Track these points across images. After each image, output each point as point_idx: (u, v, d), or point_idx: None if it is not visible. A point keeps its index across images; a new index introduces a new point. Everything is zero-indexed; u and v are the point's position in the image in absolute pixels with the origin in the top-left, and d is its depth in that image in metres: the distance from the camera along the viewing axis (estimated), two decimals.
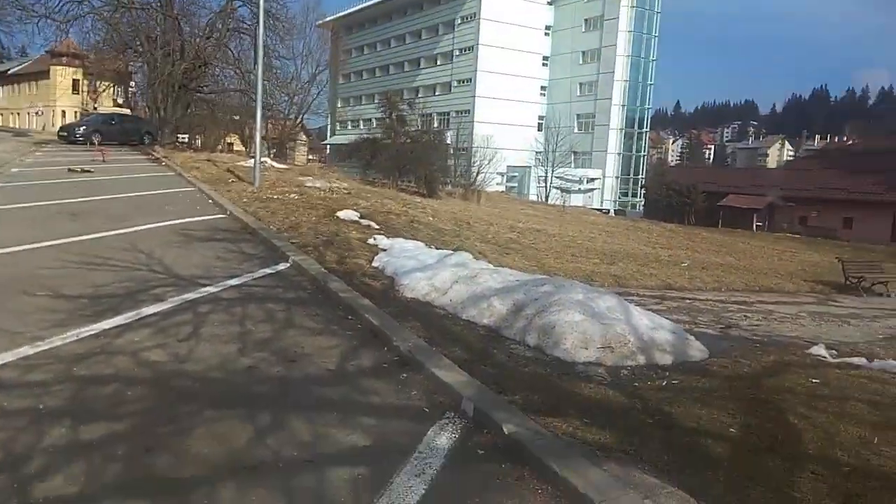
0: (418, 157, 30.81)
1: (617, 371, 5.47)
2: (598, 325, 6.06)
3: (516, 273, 8.25)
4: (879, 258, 25.46)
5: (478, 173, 38.64)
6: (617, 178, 60.86)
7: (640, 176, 61.68)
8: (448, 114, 63.52)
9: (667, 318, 7.58)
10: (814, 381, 5.12)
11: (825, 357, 6.47)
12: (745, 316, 9.97)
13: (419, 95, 66.60)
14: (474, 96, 61.75)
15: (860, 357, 6.64)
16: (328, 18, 68.24)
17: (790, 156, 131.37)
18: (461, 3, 63.26)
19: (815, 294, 15.26)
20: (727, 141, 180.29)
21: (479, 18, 60.48)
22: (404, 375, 4.77)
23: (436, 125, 61.41)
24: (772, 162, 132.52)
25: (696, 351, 6.31)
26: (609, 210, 54.74)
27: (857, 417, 4.24)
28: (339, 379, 4.70)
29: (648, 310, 8.83)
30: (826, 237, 36.16)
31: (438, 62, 67.79)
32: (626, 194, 61.61)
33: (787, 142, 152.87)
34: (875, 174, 38.56)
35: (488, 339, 6.15)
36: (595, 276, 12.35)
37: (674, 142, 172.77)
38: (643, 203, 58.71)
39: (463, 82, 64.20)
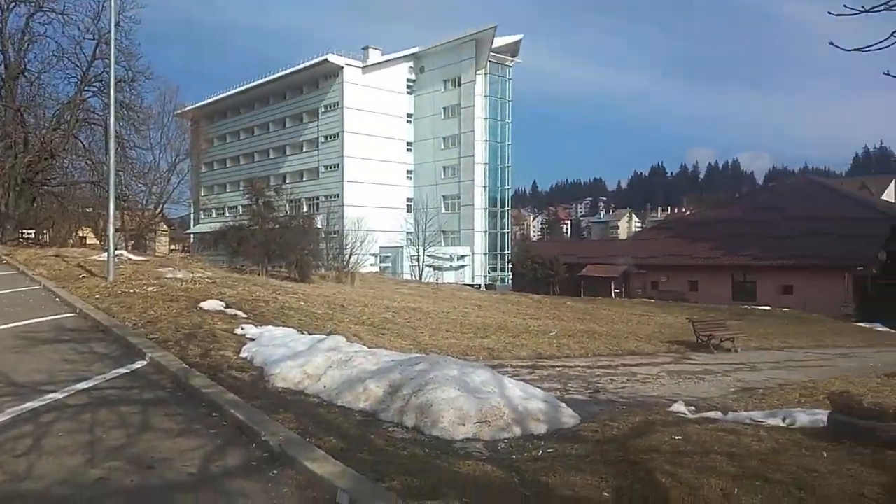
0: (288, 242, 30.28)
1: (495, 445, 5.48)
2: (474, 400, 6.09)
3: (392, 353, 8.18)
4: (724, 316, 27.79)
5: (350, 255, 38.52)
6: (485, 254, 62.93)
7: (506, 251, 64.18)
8: (317, 198, 63.49)
9: (539, 388, 7.77)
10: (676, 437, 5.39)
11: (685, 414, 6.86)
12: (611, 379, 10.44)
13: (286, 181, 66.03)
14: (342, 181, 62.30)
15: (716, 411, 7.11)
16: (187, 108, 66.93)
17: (637, 227, 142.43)
18: (324, 93, 64.57)
19: (672, 353, 16.28)
20: (581, 216, 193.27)
21: (342, 107, 61.85)
22: (274, 472, 4.49)
23: (305, 210, 61.28)
24: (622, 233, 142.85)
25: (568, 417, 6.48)
26: (480, 285, 56.21)
27: (717, 470, 4.49)
28: (203, 483, 4.34)
29: (521, 380, 9.01)
30: (676, 300, 38.98)
31: (304, 149, 68.12)
32: (494, 269, 63.69)
33: (633, 214, 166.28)
34: (711, 240, 42.60)
35: (365, 424, 5.98)
36: (470, 350, 12.50)
37: (534, 218, 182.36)
38: (511, 277, 60.90)
39: (330, 168, 64.73)
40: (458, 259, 59.20)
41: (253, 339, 9.30)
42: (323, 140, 65.32)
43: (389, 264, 58.14)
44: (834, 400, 5.89)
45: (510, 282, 60.27)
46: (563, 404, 6.83)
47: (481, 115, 60.89)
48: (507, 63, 63.31)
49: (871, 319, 31.41)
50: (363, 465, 4.49)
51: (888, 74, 3.57)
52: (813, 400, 8.32)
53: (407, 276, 52.57)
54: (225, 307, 11.41)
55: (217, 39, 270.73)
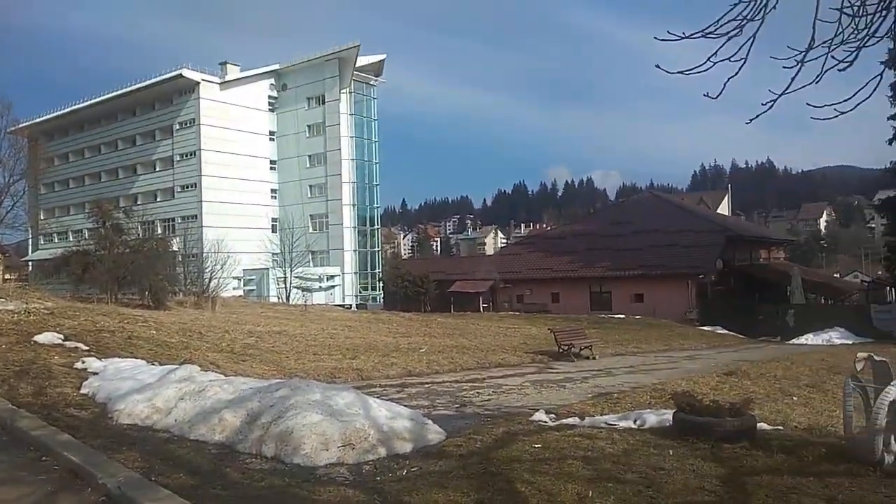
0: (140, 267, 28.26)
1: (359, 468, 5.34)
2: (338, 424, 5.91)
3: (250, 381, 7.80)
4: (583, 326, 29.22)
5: (210, 279, 36.64)
6: (356, 273, 62.34)
7: (377, 270, 63.98)
8: (174, 220, 60.13)
9: (406, 406, 7.71)
10: (536, 446, 5.53)
11: (546, 422, 7.07)
12: (477, 392, 10.59)
13: (138, 203, 62.14)
14: (200, 201, 59.44)
15: (574, 417, 7.39)
16: (22, 125, 61.12)
17: (503, 242, 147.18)
18: (179, 109, 61.48)
19: (536, 364, 16.84)
20: (450, 233, 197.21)
21: (199, 124, 59.15)
22: None
23: (160, 232, 57.69)
24: (489, 249, 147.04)
25: (434, 434, 6.46)
26: (351, 305, 55.52)
27: (574, 475, 4.63)
28: None
29: (390, 399, 8.91)
30: (540, 311, 40.54)
31: (158, 168, 64.37)
32: (366, 288, 63.25)
33: (499, 231, 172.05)
34: (570, 254, 44.85)
35: (221, 457, 5.62)
36: (338, 372, 12.22)
37: (404, 236, 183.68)
38: (382, 295, 60.73)
39: (187, 187, 61.57)
40: (327, 279, 58.18)
41: (96, 374, 8.54)
42: (178, 158, 62.04)
43: (254, 287, 56.06)
44: (677, 400, 6.31)
45: (381, 300, 60.08)
46: (430, 421, 6.81)
47: (347, 134, 60.54)
48: (371, 82, 63.53)
49: (712, 323, 34.36)
50: (215, 502, 4.20)
51: (707, 96, 3.86)
52: (661, 401, 8.87)
53: (273, 299, 50.87)
54: (63, 339, 10.41)
55: (56, 49, 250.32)
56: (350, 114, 60.83)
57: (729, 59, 3.56)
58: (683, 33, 3.59)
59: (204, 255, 41.16)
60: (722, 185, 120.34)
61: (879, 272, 56.92)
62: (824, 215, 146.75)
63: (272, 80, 63.71)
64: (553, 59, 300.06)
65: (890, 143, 29.68)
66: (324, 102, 60.80)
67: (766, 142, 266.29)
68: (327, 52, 60.26)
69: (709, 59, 3.56)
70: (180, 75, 58.79)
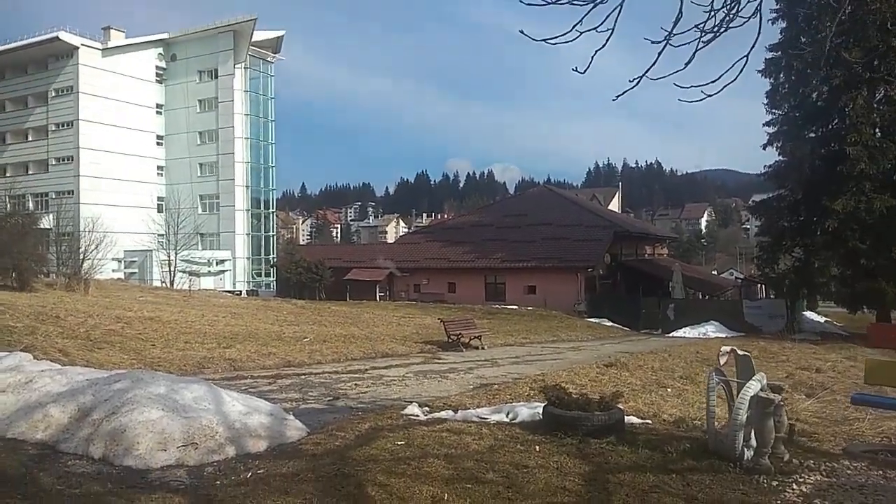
0: (3, 245, 25.81)
1: (200, 470, 4.78)
2: (181, 421, 5.31)
3: (89, 371, 6.98)
4: (478, 316, 29.37)
5: (83, 260, 34.00)
6: (248, 258, 60.06)
7: (271, 255, 61.90)
8: (47, 195, 55.60)
9: (274, 399, 7.18)
10: (399, 443, 5.17)
11: (417, 415, 6.74)
12: (355, 384, 10.15)
13: (7, 174, 57.20)
14: (78, 175, 55.25)
15: (448, 410, 7.11)
16: None
17: (404, 231, 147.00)
18: (55, 75, 56.71)
19: (424, 354, 16.59)
20: (351, 220, 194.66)
21: (77, 92, 54.79)
22: None
23: (31, 207, 53.15)
24: (391, 237, 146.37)
25: (295, 430, 5.97)
26: (241, 291, 53.40)
27: (432, 476, 4.29)
28: None
29: (258, 392, 8.32)
30: (436, 301, 40.49)
31: (30, 137, 59.27)
32: (259, 274, 61.10)
33: (401, 219, 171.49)
34: (467, 244, 45.07)
35: (39, 458, 4.90)
36: (208, 362, 11.41)
37: (303, 222, 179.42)
38: (276, 282, 58.80)
39: (63, 160, 57.07)
40: (216, 264, 55.59)
41: None
42: (54, 128, 57.37)
43: (136, 270, 52.75)
44: (547, 394, 6.14)
45: (275, 287, 58.19)
46: (291, 416, 6.31)
47: (241, 111, 57.97)
48: (268, 59, 61.15)
49: (600, 315, 35.51)
50: None
51: (576, 70, 3.60)
52: (540, 392, 8.79)
53: (157, 283, 48.11)
54: None
55: None
56: (245, 90, 58.27)
57: (595, 28, 3.30)
58: None
59: (79, 234, 38.26)
60: (614, 183, 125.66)
61: (752, 270, 61.09)
62: (705, 215, 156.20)
63: (160, 50, 59.98)
64: (458, 51, 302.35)
65: (764, 148, 31.50)
66: (216, 77, 57.90)
67: (655, 143, 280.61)
68: (222, 24, 57.37)
69: (574, 27, 3.29)
70: (57, 38, 54.22)
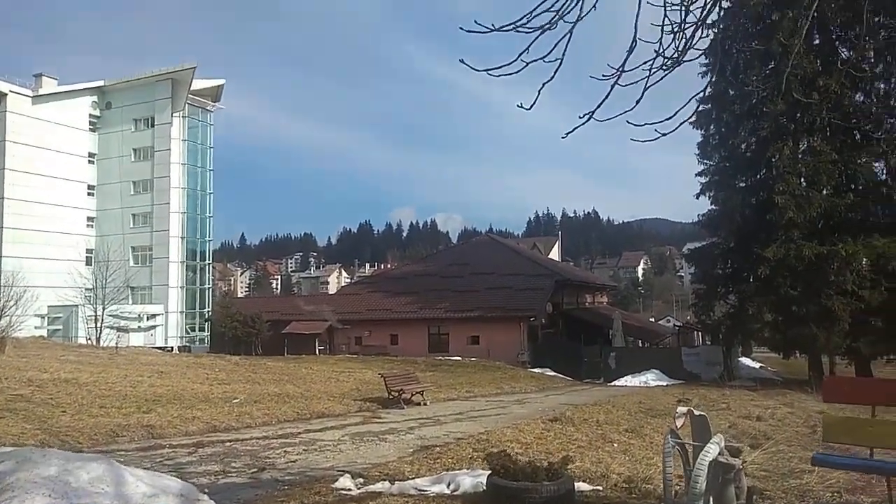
0: None
1: None
2: None
3: None
4: (421, 368, 28.70)
5: (0, 317, 31.84)
6: (182, 312, 57.74)
7: (206, 309, 59.70)
8: None
9: (188, 473, 6.44)
10: None
11: (349, 489, 6.15)
12: (285, 451, 9.37)
13: None
14: (1, 227, 52.43)
15: (384, 481, 6.52)
16: None
17: (347, 282, 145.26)
18: None
19: (363, 413, 15.82)
20: (292, 271, 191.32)
21: (3, 140, 52.49)
22: None
23: None
24: (332, 288, 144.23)
25: None
26: (172, 347, 51.08)
27: None
28: None
29: (176, 462, 7.57)
30: (379, 354, 39.59)
31: None
32: (193, 329, 58.73)
33: (343, 269, 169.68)
34: (410, 294, 44.53)
35: None
36: (123, 430, 10.43)
37: (242, 273, 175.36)
38: (209, 336, 56.57)
39: None
40: (147, 319, 53.15)
41: None
42: None
43: (60, 327, 49.91)
44: (491, 461, 5.66)
45: (209, 342, 55.94)
46: (205, 496, 5.62)
47: (178, 161, 56.50)
48: (208, 107, 60.20)
49: (542, 365, 35.34)
50: None
51: (521, 107, 3.30)
52: (484, 454, 8.29)
53: (82, 340, 45.52)
54: None
55: None
56: (183, 139, 56.95)
57: (543, 59, 3.00)
58: (493, 25, 2.98)
59: None
60: (553, 232, 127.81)
61: (688, 317, 62.45)
62: (641, 263, 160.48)
63: (95, 98, 58.28)
64: (399, 101, 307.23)
65: (697, 198, 32.48)
66: (153, 125, 56.50)
67: (592, 193, 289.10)
68: (160, 72, 56.37)
69: (520, 56, 3.00)
70: None
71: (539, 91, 3.27)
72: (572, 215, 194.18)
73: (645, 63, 3.50)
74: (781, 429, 14.27)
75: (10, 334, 31.55)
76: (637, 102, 3.45)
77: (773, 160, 28.68)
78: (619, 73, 3.35)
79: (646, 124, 3.46)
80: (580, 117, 3.45)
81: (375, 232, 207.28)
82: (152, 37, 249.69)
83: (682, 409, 4.91)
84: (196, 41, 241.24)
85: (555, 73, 3.20)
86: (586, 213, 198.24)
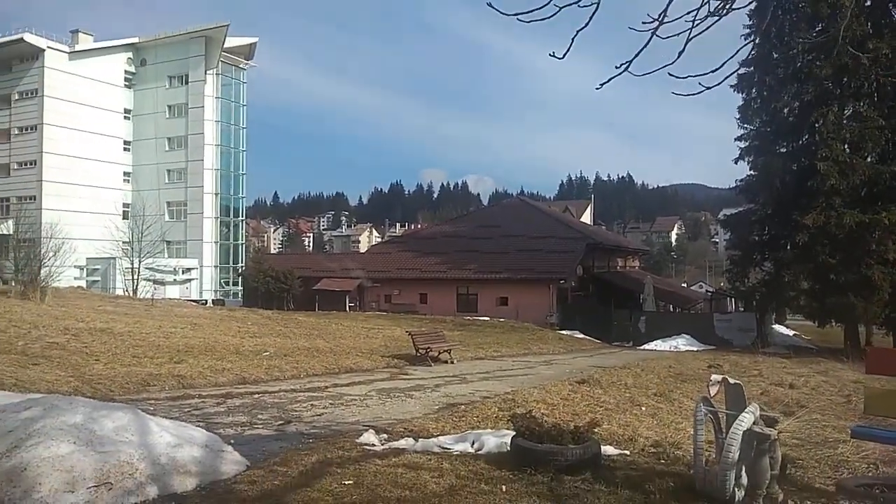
0: None
1: None
2: (95, 456, 4.62)
3: (1, 395, 6.23)
4: (449, 327, 28.75)
5: (40, 267, 32.70)
6: (216, 267, 58.77)
7: (239, 264, 60.64)
8: (8, 200, 53.93)
9: (216, 423, 6.49)
10: (346, 482, 4.55)
11: (373, 445, 6.13)
12: (312, 405, 9.44)
13: None
14: (41, 181, 53.63)
15: (408, 438, 6.49)
16: None
17: (377, 241, 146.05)
18: (19, 77, 55.10)
19: (390, 369, 15.92)
20: (324, 229, 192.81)
21: (41, 95, 53.25)
22: None
23: None
24: (363, 247, 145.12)
25: (231, 464, 5.31)
26: (207, 301, 52.12)
27: None
28: None
29: (203, 413, 7.65)
30: (408, 312, 39.80)
31: None
32: (227, 283, 59.81)
33: (374, 229, 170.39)
34: (440, 255, 44.48)
35: None
36: (154, 379, 10.62)
37: (275, 230, 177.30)
38: (243, 291, 57.54)
39: (26, 164, 55.38)
40: (182, 272, 54.25)
41: None
42: (16, 132, 55.66)
43: (99, 278, 51.21)
44: (516, 423, 5.57)
45: (242, 297, 56.93)
46: (229, 447, 5.65)
47: (212, 118, 56.85)
48: (241, 65, 60.17)
49: (571, 327, 35.16)
50: None
51: (553, 56, 3.06)
52: (509, 415, 8.22)
53: (119, 292, 46.65)
54: None
55: None
56: (216, 97, 57.19)
57: (577, 2, 2.76)
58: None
59: (40, 240, 36.91)
60: (586, 196, 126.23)
61: (722, 283, 61.49)
62: (675, 228, 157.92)
63: (130, 55, 58.66)
64: (435, 62, 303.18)
65: (735, 163, 31.55)
66: (187, 82, 56.76)
67: (627, 157, 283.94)
68: (194, 29, 56.33)
69: (551, 1, 2.74)
70: (22, 39, 52.70)
71: (573, 39, 3.03)
72: (606, 179, 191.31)
73: (688, 13, 3.24)
74: (815, 397, 14.00)
75: (50, 284, 32.47)
76: (679, 55, 3.21)
77: (817, 125, 27.65)
78: (659, 22, 3.10)
79: (689, 76, 3.22)
80: (616, 67, 3.21)
81: (406, 192, 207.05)
82: None
83: (716, 376, 4.72)
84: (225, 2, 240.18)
85: (590, 18, 2.97)
86: (620, 176, 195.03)
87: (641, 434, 8.02)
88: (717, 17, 3.22)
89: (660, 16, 3.09)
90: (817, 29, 26.44)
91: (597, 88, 3.01)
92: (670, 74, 3.09)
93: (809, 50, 27.12)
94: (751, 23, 29.30)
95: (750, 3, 3.08)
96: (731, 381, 4.63)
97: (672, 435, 8.24)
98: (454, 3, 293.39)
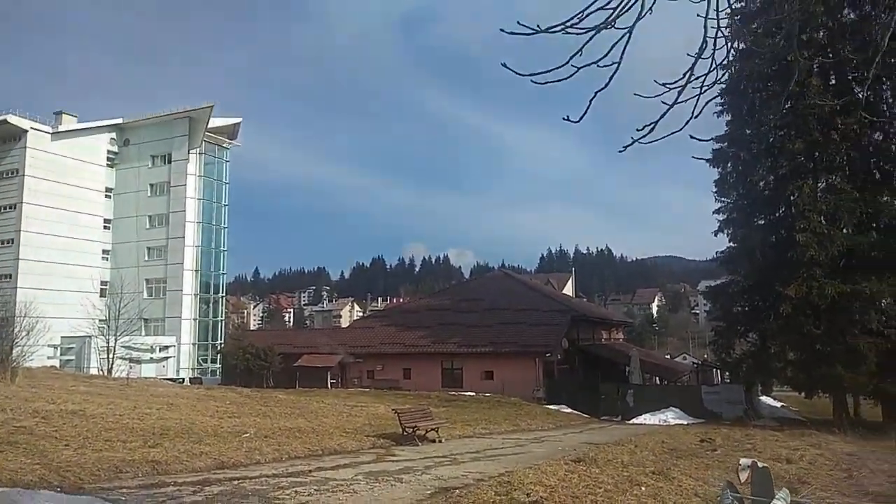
0: None
1: None
2: None
3: None
4: (434, 403, 28.09)
5: (12, 347, 31.68)
6: (194, 344, 57.60)
7: (218, 341, 59.49)
8: None
9: None
10: None
11: None
12: (295, 492, 8.89)
13: None
14: (17, 259, 52.90)
15: None
16: None
17: (359, 315, 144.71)
18: (1, 157, 55.23)
19: (376, 450, 15.29)
20: (305, 304, 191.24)
21: (22, 175, 53.28)
22: None
23: None
24: (345, 322, 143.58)
25: None
26: (184, 379, 50.72)
27: None
28: None
29: (181, 502, 7.14)
30: (391, 388, 38.97)
31: None
32: (205, 360, 58.50)
33: (356, 303, 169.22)
34: (423, 329, 44.00)
35: None
36: (127, 465, 10.01)
37: (255, 306, 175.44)
38: (221, 369, 56.20)
39: (4, 243, 54.77)
40: (160, 350, 52.95)
41: None
42: None
43: (73, 357, 49.78)
44: None
45: (221, 374, 55.53)
46: None
47: (194, 195, 57.10)
48: (224, 145, 60.99)
49: (558, 401, 34.54)
50: None
51: (567, 119, 2.96)
52: (507, 499, 7.82)
53: (94, 371, 45.28)
54: None
55: None
56: (199, 175, 57.64)
57: (597, 63, 2.68)
58: (538, 26, 2.67)
59: (10, 319, 35.93)
60: (567, 269, 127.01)
61: (706, 355, 61.29)
62: (656, 300, 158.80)
63: (113, 135, 59.37)
64: (414, 139, 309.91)
65: (715, 235, 31.99)
66: (170, 161, 57.27)
67: (605, 231, 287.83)
68: (178, 111, 57.30)
69: (570, 61, 2.66)
70: (5, 121, 53.23)
71: (590, 101, 2.97)
72: (585, 252, 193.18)
73: (671, 88, 3.27)
74: (814, 472, 13.63)
75: (22, 364, 31.39)
76: (696, 116, 3.17)
77: (793, 198, 28.25)
78: (679, 90, 3.07)
79: (707, 139, 3.15)
80: (637, 130, 3.15)
81: (388, 266, 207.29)
82: (169, 80, 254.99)
83: (745, 460, 4.45)
84: (211, 83, 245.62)
85: (610, 79, 2.91)
86: (599, 249, 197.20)
87: None
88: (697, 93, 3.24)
89: (679, 80, 3.03)
90: (787, 106, 27.40)
91: (620, 151, 2.96)
92: (692, 137, 3.01)
93: (781, 126, 28.05)
94: (722, 100, 30.43)
95: (715, 96, 3.08)
96: (760, 465, 4.36)
97: None
98: (428, 82, 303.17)
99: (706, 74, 3.26)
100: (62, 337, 48.45)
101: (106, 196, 58.73)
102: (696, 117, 3.33)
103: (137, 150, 58.75)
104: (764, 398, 38.54)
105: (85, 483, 8.71)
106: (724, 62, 3.48)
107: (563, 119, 2.96)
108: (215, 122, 57.90)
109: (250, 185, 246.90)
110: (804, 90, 26.03)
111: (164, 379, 45.68)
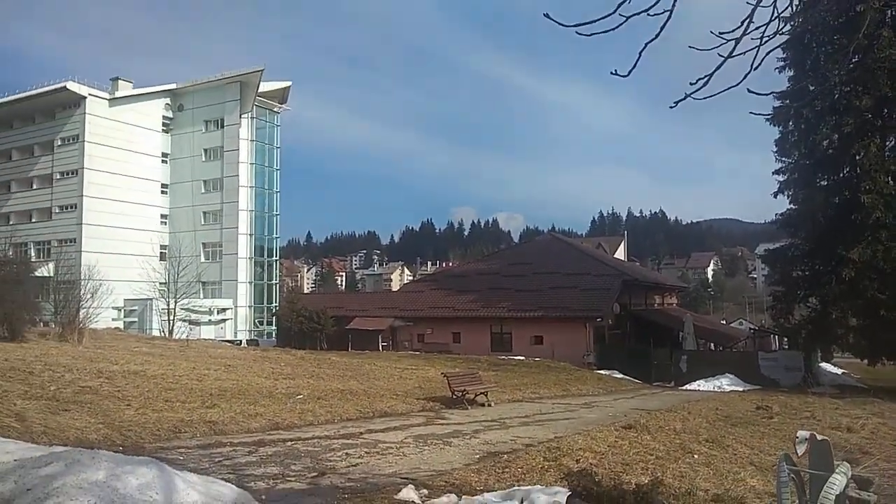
0: None
1: None
2: None
3: (24, 447, 5.98)
4: (483, 367, 28.18)
5: (78, 309, 33.12)
6: (250, 307, 59.12)
7: (273, 304, 60.96)
8: (49, 243, 55.25)
9: (248, 474, 6.13)
10: None
11: (413, 502, 5.70)
12: (346, 453, 9.04)
13: (10, 223, 57.20)
14: (80, 223, 54.91)
15: (450, 494, 6.05)
16: None
17: (409, 279, 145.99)
18: (62, 124, 56.99)
19: (426, 412, 15.44)
20: (356, 268, 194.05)
21: (83, 141, 54.91)
22: None
23: (33, 256, 52.78)
24: (395, 285, 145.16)
25: None
26: (241, 341, 52.26)
27: None
28: None
29: (234, 463, 7.31)
30: (441, 352, 39.27)
31: (35, 185, 59.28)
32: (261, 323, 60.08)
33: (405, 267, 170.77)
34: (472, 293, 44.03)
35: None
36: (185, 425, 10.35)
37: (308, 270, 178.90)
38: (276, 331, 57.70)
39: (66, 208, 56.86)
40: (217, 312, 54.67)
41: None
42: (58, 177, 57.35)
43: (136, 319, 51.85)
44: (571, 481, 5.12)
45: (275, 336, 57.05)
46: None
47: (247, 160, 57.96)
48: (275, 109, 61.47)
49: (609, 367, 34.24)
50: None
51: (615, 74, 2.74)
52: (556, 465, 7.72)
53: (155, 332, 47.09)
54: None
55: None
56: (251, 139, 58.39)
57: (646, 11, 2.45)
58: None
59: (76, 282, 37.51)
60: (619, 232, 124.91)
61: (762, 320, 59.71)
62: (711, 264, 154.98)
63: (168, 100, 60.41)
64: (462, 101, 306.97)
65: (775, 196, 30.82)
66: (223, 126, 58.10)
67: (658, 193, 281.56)
68: (229, 75, 57.87)
69: (618, 9, 2.44)
70: (65, 88, 54.65)
71: (640, 53, 2.75)
72: (638, 215, 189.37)
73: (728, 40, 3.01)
74: (877, 442, 13.15)
75: (88, 326, 32.80)
76: (754, 68, 2.90)
77: (858, 158, 26.89)
78: (736, 41, 2.81)
79: (770, 93, 2.87)
80: (691, 84, 2.91)
81: (437, 230, 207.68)
82: (220, 44, 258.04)
83: (803, 433, 4.23)
84: (262, 46, 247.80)
85: (661, 29, 2.67)
86: (653, 212, 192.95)
87: (699, 486, 7.43)
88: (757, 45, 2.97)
89: (736, 30, 2.77)
90: (854, 60, 25.84)
91: (671, 107, 2.73)
92: (749, 91, 2.75)
93: (847, 82, 26.53)
94: (784, 55, 28.91)
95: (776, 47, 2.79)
96: (819, 437, 4.14)
97: (733, 487, 7.63)
98: (476, 42, 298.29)
99: (766, 24, 2.99)
100: (125, 300, 50.33)
101: (162, 161, 60.15)
102: (755, 69, 3.07)
103: (191, 115, 59.78)
104: (824, 365, 37.38)
105: (146, 442, 9.04)
106: (787, 12, 3.18)
107: (612, 73, 2.75)
108: (265, 86, 58.31)
109: (301, 149, 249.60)
110: (873, 42, 24.46)
111: (223, 340, 47.17)
